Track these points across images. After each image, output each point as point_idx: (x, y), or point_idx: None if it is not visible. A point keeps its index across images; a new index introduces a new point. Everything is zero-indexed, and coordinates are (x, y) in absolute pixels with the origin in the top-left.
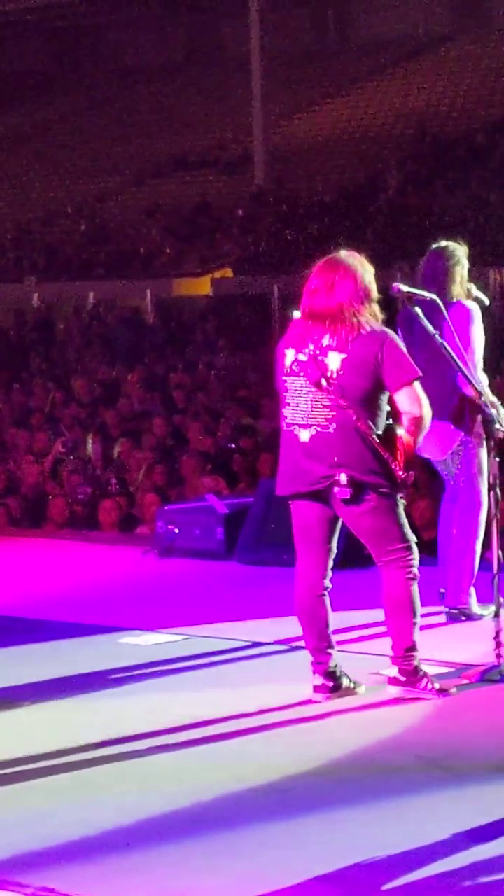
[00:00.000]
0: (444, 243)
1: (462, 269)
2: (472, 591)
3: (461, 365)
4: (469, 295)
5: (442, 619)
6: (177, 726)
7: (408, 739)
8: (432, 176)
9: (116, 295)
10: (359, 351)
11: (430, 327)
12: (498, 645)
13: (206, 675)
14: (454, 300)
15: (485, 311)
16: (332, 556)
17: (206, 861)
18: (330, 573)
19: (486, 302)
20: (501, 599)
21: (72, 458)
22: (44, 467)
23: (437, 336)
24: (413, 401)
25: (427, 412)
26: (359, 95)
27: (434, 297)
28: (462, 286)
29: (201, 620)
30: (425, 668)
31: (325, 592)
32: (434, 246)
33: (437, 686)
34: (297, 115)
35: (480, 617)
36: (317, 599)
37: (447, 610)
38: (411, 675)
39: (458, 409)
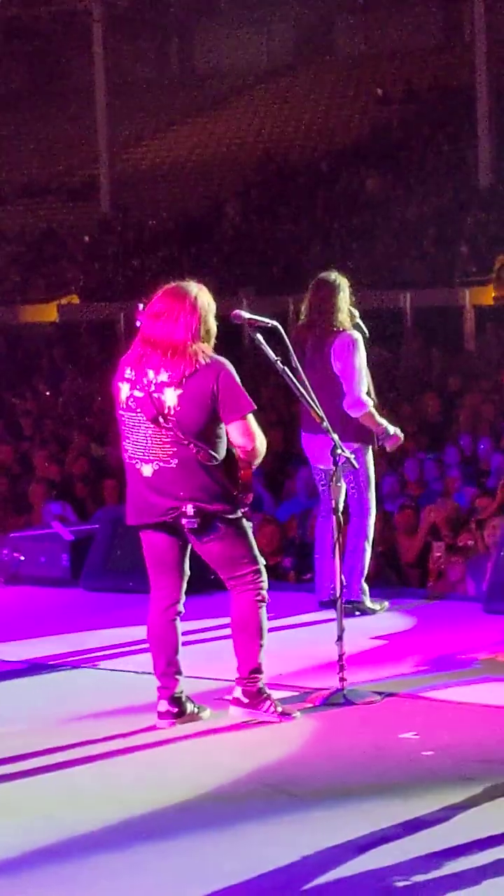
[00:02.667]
0: (328, 274)
1: (345, 297)
2: (365, 587)
3: (305, 393)
4: (352, 321)
5: (290, 644)
6: (15, 756)
7: (250, 765)
8: (276, 203)
9: None
10: (195, 386)
11: (271, 354)
12: (341, 669)
13: (48, 703)
14: (338, 328)
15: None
16: (185, 579)
17: (43, 890)
18: (183, 597)
19: (366, 332)
20: (344, 623)
21: None
22: None
23: (277, 363)
24: (244, 435)
25: (259, 445)
26: (203, 124)
27: (275, 323)
28: (345, 314)
29: (46, 648)
30: (269, 691)
31: (178, 617)
32: (319, 276)
33: (279, 709)
34: (142, 142)
35: (374, 612)
36: (169, 624)
37: (327, 601)
38: (254, 697)
39: (351, 426)
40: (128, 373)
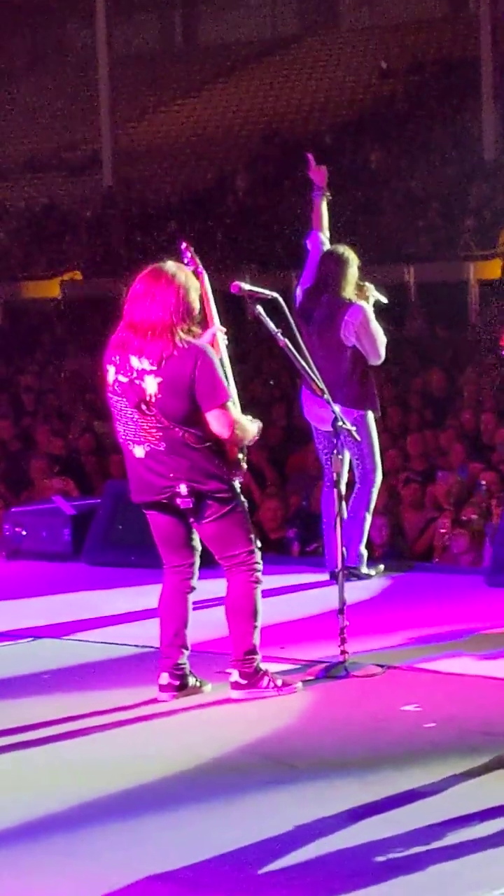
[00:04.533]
0: (335, 247)
1: (354, 270)
2: (364, 553)
3: (306, 366)
4: (363, 295)
5: (291, 616)
6: (18, 727)
7: (250, 737)
8: (280, 177)
9: None
10: (173, 371)
11: (271, 326)
12: (342, 642)
13: (51, 677)
14: (349, 301)
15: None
16: (197, 555)
17: (45, 862)
18: (197, 572)
19: (385, 300)
20: (345, 595)
21: None
22: None
23: (278, 335)
24: (222, 424)
25: (239, 432)
26: (207, 97)
27: (275, 295)
28: (353, 287)
29: (49, 622)
30: (267, 665)
31: (190, 592)
32: (326, 250)
33: (279, 682)
34: (145, 116)
35: (369, 577)
36: (180, 598)
37: (334, 572)
38: (251, 677)
39: (356, 394)
40: (114, 357)
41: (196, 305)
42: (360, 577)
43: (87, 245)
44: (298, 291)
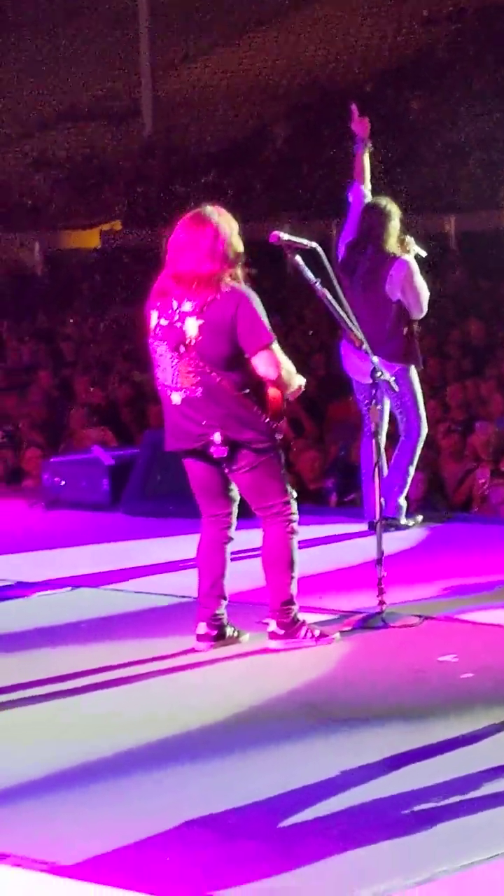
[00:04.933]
0: (377, 199)
1: (396, 223)
2: (402, 504)
3: (345, 316)
4: (404, 248)
5: (330, 567)
6: (57, 677)
7: (288, 686)
8: (320, 126)
9: (4, 248)
10: (215, 315)
11: (310, 276)
12: (380, 592)
13: (90, 626)
14: (392, 255)
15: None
16: (235, 505)
17: (86, 809)
18: (234, 522)
19: (424, 254)
20: (383, 546)
21: None
22: None
23: (316, 285)
24: (269, 364)
25: (286, 374)
26: (247, 45)
27: (314, 245)
28: (395, 240)
29: (87, 572)
30: (304, 616)
31: (229, 542)
32: (368, 203)
33: (317, 633)
34: (185, 64)
35: (408, 527)
36: (218, 548)
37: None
38: (289, 627)
39: (399, 348)
40: (156, 302)
41: (239, 248)
42: (399, 527)
43: (126, 194)
44: (341, 245)
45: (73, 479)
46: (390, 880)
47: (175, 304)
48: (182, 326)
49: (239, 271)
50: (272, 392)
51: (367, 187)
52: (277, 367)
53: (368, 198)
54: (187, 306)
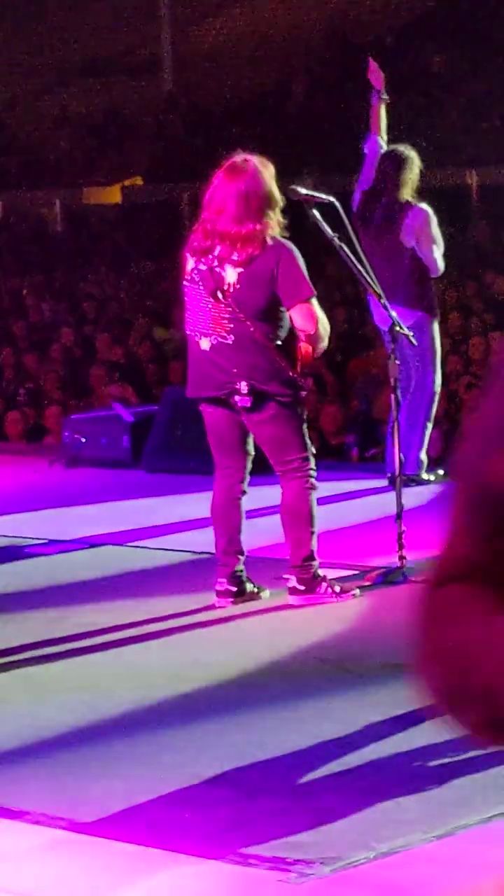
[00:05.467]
0: (394, 147)
1: (413, 172)
2: (423, 459)
3: (363, 271)
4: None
5: (350, 522)
6: (77, 634)
7: (308, 642)
8: (342, 80)
9: (25, 205)
10: (257, 267)
11: (328, 230)
12: (400, 547)
13: (110, 583)
14: (408, 202)
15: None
16: (249, 458)
17: (106, 765)
18: (248, 477)
19: None
20: (403, 503)
21: None
22: None
23: (335, 239)
24: (306, 318)
25: (322, 329)
26: None
27: (332, 199)
28: (411, 189)
29: (107, 529)
30: (324, 572)
31: (242, 497)
32: (385, 150)
33: (337, 589)
34: (206, 19)
35: (428, 482)
36: (232, 503)
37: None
38: (310, 583)
39: (414, 294)
40: (195, 245)
41: (277, 197)
42: (420, 482)
43: (148, 150)
44: (357, 194)
45: (93, 436)
46: (411, 834)
47: (217, 250)
48: (221, 272)
49: (279, 221)
50: (303, 348)
51: (383, 139)
52: (315, 321)
53: (384, 148)
54: (229, 256)
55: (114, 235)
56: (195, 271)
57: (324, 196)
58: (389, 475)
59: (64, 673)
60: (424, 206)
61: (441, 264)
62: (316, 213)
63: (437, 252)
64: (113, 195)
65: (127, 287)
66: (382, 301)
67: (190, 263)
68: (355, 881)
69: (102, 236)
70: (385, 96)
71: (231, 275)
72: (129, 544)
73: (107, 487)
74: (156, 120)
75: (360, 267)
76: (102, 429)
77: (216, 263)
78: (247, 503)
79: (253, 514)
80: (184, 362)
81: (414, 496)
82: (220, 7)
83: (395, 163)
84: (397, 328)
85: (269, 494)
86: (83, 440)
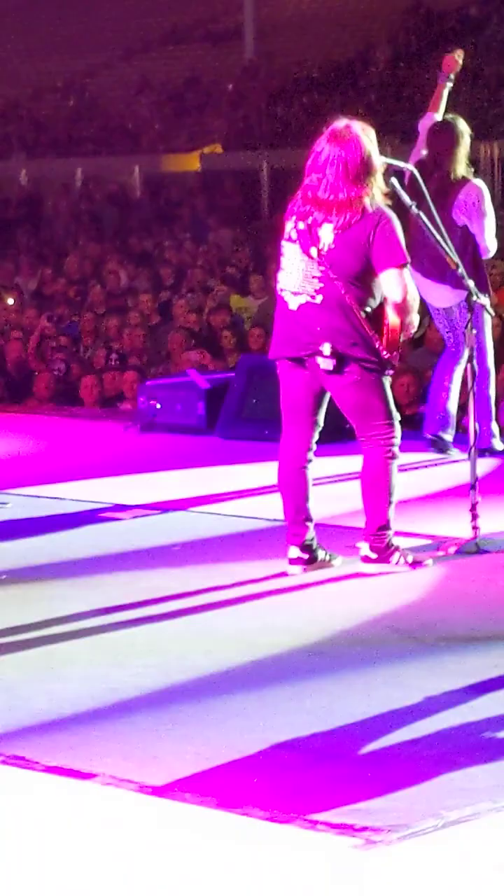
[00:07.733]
0: (446, 119)
1: (465, 146)
2: (495, 430)
3: (441, 240)
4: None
5: (424, 492)
6: (150, 599)
7: (380, 610)
8: (423, 49)
9: (104, 171)
10: (354, 230)
11: (406, 199)
12: (474, 518)
13: (182, 550)
14: (460, 178)
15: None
16: (318, 429)
17: (175, 729)
18: (314, 446)
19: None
20: (477, 473)
21: (58, 334)
22: (29, 344)
23: (413, 207)
24: (396, 285)
25: (411, 299)
26: None
27: (412, 168)
28: (463, 164)
29: (181, 495)
30: (399, 541)
31: (308, 465)
32: (438, 121)
33: (410, 559)
34: None
35: (501, 451)
36: (299, 471)
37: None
38: (383, 552)
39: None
40: (294, 210)
41: (378, 163)
42: (495, 453)
43: (227, 118)
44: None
45: (168, 402)
46: (479, 803)
47: (317, 213)
48: (318, 231)
49: (380, 188)
50: (392, 321)
51: (438, 118)
52: (404, 289)
53: None
54: (327, 219)
55: (192, 202)
56: (294, 230)
57: (403, 164)
58: (431, 438)
59: (135, 637)
60: (478, 181)
61: (493, 244)
62: (394, 180)
63: (490, 230)
64: (192, 162)
65: (204, 254)
66: (460, 271)
67: (290, 224)
68: (423, 849)
69: (181, 203)
70: (451, 79)
71: (328, 235)
72: (202, 510)
73: (181, 454)
74: (236, 88)
75: (437, 236)
76: (177, 395)
77: (313, 222)
78: (319, 470)
79: (330, 480)
80: (262, 329)
81: (489, 466)
82: None
83: (449, 136)
84: (474, 297)
85: (341, 462)
86: (158, 406)
